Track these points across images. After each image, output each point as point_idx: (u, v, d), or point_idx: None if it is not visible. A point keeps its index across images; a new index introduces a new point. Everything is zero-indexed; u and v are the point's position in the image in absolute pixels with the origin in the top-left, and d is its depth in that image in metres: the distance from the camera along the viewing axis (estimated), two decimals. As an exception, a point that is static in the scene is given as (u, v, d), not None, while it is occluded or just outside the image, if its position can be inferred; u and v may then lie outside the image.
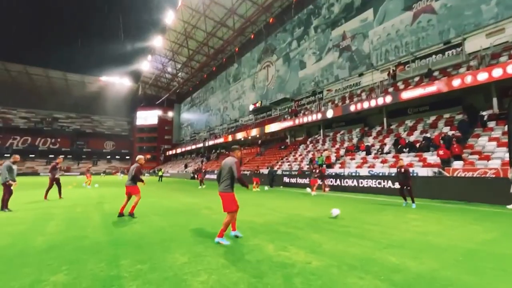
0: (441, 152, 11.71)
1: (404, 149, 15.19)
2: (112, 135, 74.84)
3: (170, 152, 64.11)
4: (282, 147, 28.89)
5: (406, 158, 14.79)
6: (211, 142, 44.61)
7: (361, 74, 24.27)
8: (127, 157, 73.16)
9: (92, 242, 4.12)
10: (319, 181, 11.44)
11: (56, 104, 67.65)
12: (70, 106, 69.54)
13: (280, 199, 10.10)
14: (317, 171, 10.06)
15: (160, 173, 28.18)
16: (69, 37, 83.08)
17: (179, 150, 59.74)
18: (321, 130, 25.58)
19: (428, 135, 15.86)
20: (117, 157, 73.19)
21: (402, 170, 7.92)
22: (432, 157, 13.76)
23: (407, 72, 20.61)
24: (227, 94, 46.59)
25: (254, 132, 32.58)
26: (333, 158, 19.58)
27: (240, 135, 35.43)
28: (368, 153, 17.56)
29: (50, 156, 64.18)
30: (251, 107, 37.20)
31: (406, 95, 17.28)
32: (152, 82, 62.65)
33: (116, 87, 66.34)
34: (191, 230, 4.88)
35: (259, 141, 34.91)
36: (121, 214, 6.31)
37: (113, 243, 4.07)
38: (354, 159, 18.01)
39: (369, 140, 19.59)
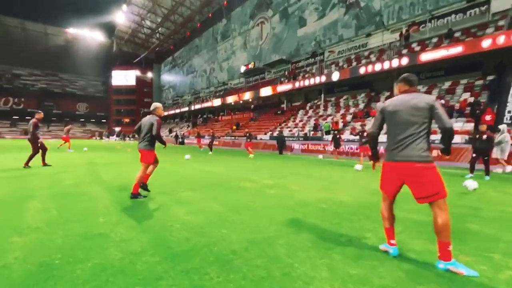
0: (488, 118, 10.48)
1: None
2: (85, 96, 67.85)
3: (151, 116, 59.81)
4: (279, 112, 26.99)
5: (427, 125, 13.65)
6: (197, 106, 41.50)
7: (369, 35, 22.11)
8: (103, 120, 67.56)
9: (124, 250, 2.17)
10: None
11: (15, 58, 58.70)
12: (32, 62, 60.85)
13: (316, 167, 8.46)
14: (366, 134, 8.38)
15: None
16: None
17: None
18: (322, 95, 23.81)
19: (442, 101, 14.69)
20: (92, 120, 67.24)
21: (484, 136, 6.47)
22: (457, 124, 12.67)
23: (422, 32, 18.81)
24: (214, 54, 42.49)
25: (247, 95, 30.10)
26: (340, 124, 18.17)
27: (230, 99, 32.77)
28: (381, 119, 16.23)
29: (14, 117, 57.32)
30: (243, 69, 34.06)
31: (426, 57, 15.68)
32: (129, 37, 55.76)
33: (87, 41, 58.50)
34: (269, 218, 3.06)
35: (252, 106, 32.60)
36: (143, 184, 4.39)
37: (167, 252, 2.13)
38: (365, 125, 16.64)
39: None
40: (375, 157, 2.55)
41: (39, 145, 7.17)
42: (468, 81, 15.63)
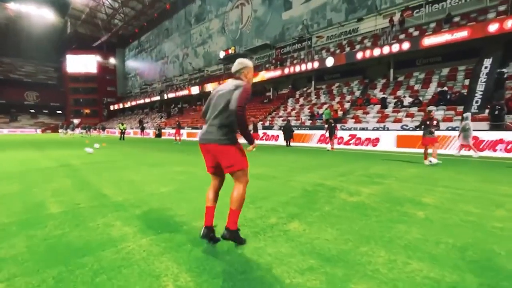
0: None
1: (441, 102, 13.22)
2: (35, 84, 58.60)
3: (116, 107, 53.93)
4: (265, 100, 25.12)
5: (438, 112, 12.96)
6: (171, 95, 37.77)
7: (360, 19, 21.05)
8: (59, 112, 59.40)
9: None
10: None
11: None
12: (-36, 42, 50.65)
13: (368, 163, 6.88)
14: (435, 122, 6.57)
15: (122, 127, 21.49)
16: None
17: (127, 105, 50.37)
18: (313, 82, 22.45)
19: (445, 88, 14.15)
20: (44, 111, 58.66)
21: None
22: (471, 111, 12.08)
23: (417, 18, 18.19)
24: (188, 38, 38.75)
25: (230, 83, 27.61)
26: (339, 113, 16.95)
27: (210, 87, 29.95)
28: (384, 106, 15.34)
29: None
30: (222, 54, 31.26)
31: (429, 41, 14.98)
32: (86, 17, 48.66)
33: (34, 20, 49.84)
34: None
35: (234, 94, 30.17)
36: (208, 229, 2.07)
37: None
38: (368, 113, 15.65)
39: (376, 93, 17.36)
40: None
41: None
42: (467, 67, 15.26)
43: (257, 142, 11.58)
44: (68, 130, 29.87)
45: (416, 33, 16.91)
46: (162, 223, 2.56)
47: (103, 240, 2.16)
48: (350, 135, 13.37)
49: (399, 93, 16.09)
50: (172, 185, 4.23)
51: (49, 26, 52.28)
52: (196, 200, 3.33)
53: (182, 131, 19.81)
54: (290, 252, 1.92)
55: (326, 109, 16.97)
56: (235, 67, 2.26)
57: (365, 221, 2.56)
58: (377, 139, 12.29)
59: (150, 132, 30.81)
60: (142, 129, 32.17)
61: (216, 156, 2.05)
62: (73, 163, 6.73)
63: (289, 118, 19.34)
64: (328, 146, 11.43)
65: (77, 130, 34.18)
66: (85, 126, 33.79)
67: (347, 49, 20.17)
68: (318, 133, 14.73)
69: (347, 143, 13.47)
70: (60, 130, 29.78)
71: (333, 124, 11.59)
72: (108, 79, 57.20)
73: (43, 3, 45.94)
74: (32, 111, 57.40)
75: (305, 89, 23.35)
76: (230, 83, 2.15)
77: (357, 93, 18.60)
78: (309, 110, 19.07)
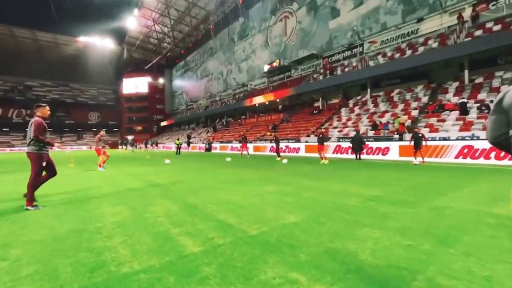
0: None
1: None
2: (97, 106, 65.45)
3: (164, 123, 57.29)
4: (315, 111, 24.05)
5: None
6: (216, 110, 38.75)
7: (420, 19, 19.22)
8: (115, 129, 65.10)
9: None
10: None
11: (27, 69, 56.63)
12: (44, 73, 58.72)
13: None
14: None
15: (178, 142, 22.36)
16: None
17: (174, 121, 53.18)
18: (368, 90, 20.89)
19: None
20: (104, 129, 64.80)
21: None
22: None
23: (494, 10, 15.92)
24: (231, 55, 39.78)
25: (280, 95, 27.24)
26: (406, 123, 15.19)
27: (258, 100, 29.83)
28: (465, 112, 13.28)
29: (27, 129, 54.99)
30: (266, 68, 31.26)
31: (520, 34, 12.76)
32: (139, 43, 53.36)
33: (97, 50, 56.16)
34: None
35: (280, 107, 29.74)
36: None
37: None
38: (444, 120, 13.72)
39: (449, 98, 15.26)
40: None
41: (43, 163, 4.15)
42: None
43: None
44: (129, 146, 32.05)
45: (497, 28, 14.69)
46: (360, 279, 1.78)
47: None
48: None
49: (481, 96, 13.89)
50: (295, 212, 3.49)
51: (109, 54, 58.38)
52: (347, 235, 2.53)
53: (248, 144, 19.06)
54: None
55: (398, 117, 15.35)
56: None
57: None
58: None
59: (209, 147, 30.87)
60: (189, 143, 33.07)
61: None
62: (157, 181, 6.50)
63: (346, 129, 18.03)
64: (416, 160, 9.90)
65: (141, 146, 36.34)
66: (146, 142, 35.83)
67: (408, 52, 18.43)
68: (387, 144, 13.23)
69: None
70: (119, 147, 32.10)
71: (420, 134, 10.03)
72: (157, 98, 61.34)
73: (105, 34, 51.50)
74: (94, 129, 63.64)
75: (359, 97, 21.85)
76: None
77: (424, 99, 16.63)
78: (368, 120, 17.59)
